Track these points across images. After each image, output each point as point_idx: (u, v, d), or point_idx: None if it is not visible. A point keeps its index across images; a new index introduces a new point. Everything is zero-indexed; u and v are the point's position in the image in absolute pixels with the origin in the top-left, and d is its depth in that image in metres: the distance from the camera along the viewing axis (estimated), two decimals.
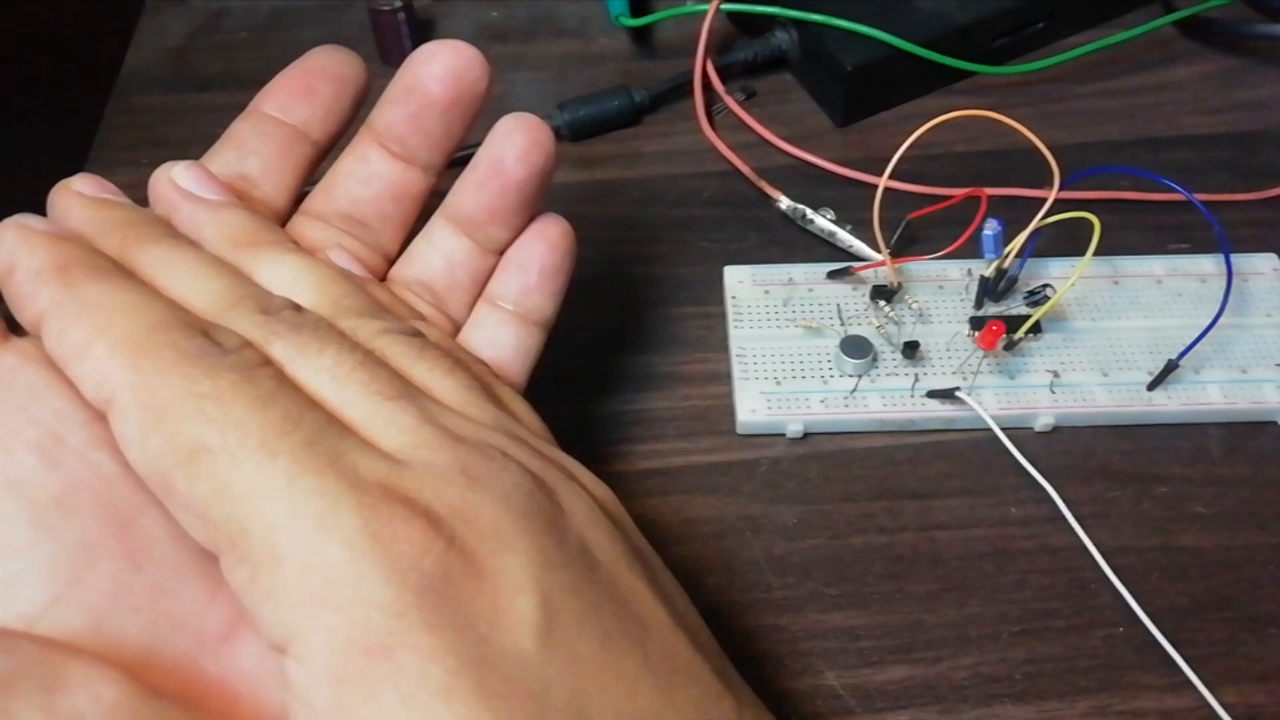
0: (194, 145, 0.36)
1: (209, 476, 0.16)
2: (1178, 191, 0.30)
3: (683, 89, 0.37)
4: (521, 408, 0.21)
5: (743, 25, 0.40)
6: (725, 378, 0.30)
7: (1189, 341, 0.29)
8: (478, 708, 0.15)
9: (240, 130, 0.23)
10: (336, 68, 0.23)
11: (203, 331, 0.17)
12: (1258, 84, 0.38)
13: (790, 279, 0.32)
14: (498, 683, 0.15)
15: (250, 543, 0.15)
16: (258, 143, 0.22)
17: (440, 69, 0.22)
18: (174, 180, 0.21)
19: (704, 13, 0.36)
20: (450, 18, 0.41)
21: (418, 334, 0.20)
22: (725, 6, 0.37)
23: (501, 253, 0.24)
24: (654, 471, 0.29)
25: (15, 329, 0.19)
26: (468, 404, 0.19)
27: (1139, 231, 0.33)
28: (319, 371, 0.18)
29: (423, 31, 0.40)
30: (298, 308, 0.19)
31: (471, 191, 0.23)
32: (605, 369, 0.31)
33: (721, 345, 0.31)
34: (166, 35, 0.41)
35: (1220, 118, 0.37)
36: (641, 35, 0.40)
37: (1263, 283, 0.32)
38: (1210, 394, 0.29)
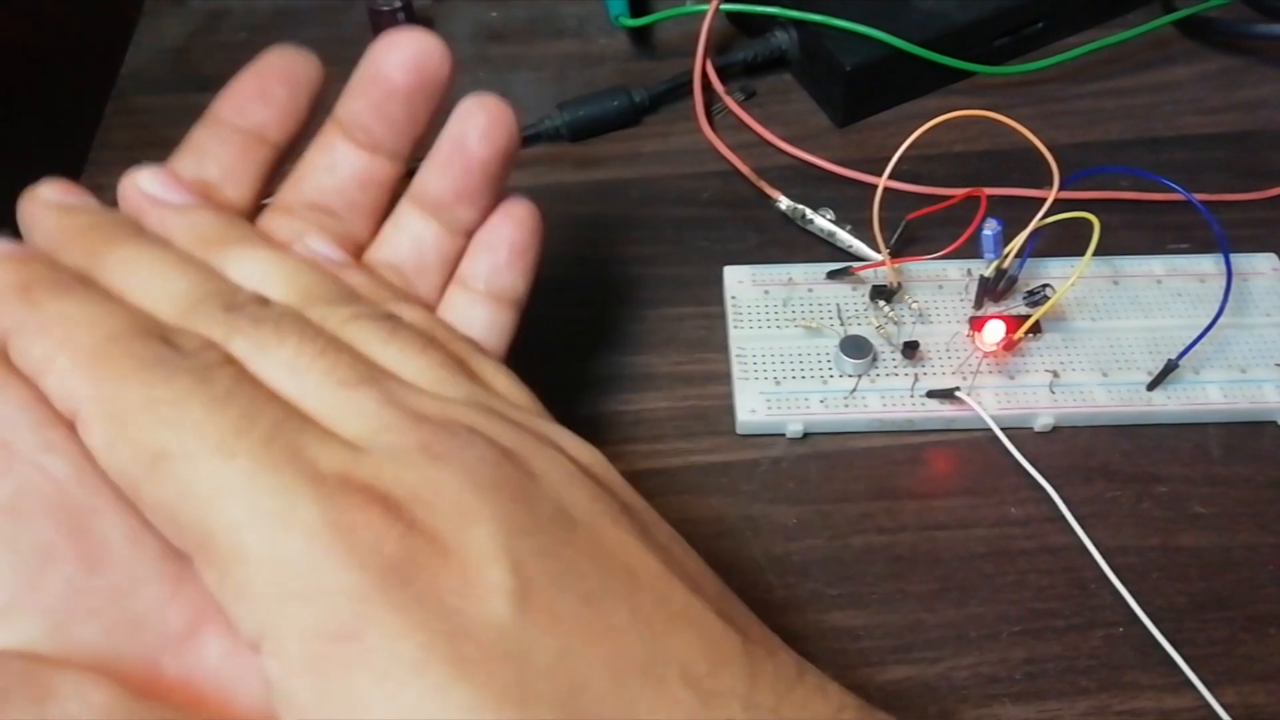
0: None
1: (172, 481, 0.16)
2: (1177, 191, 0.30)
3: (682, 89, 0.37)
4: (505, 382, 0.21)
5: (743, 25, 0.40)
6: (725, 378, 0.30)
7: (1189, 341, 0.29)
8: (452, 676, 0.15)
9: (198, 137, 0.23)
10: (290, 68, 0.23)
11: (161, 337, 0.18)
12: (1258, 84, 0.38)
13: (790, 279, 0.32)
14: (472, 651, 0.15)
15: (216, 543, 0.16)
16: (216, 147, 0.22)
17: (401, 56, 0.22)
18: (139, 186, 0.21)
19: (704, 13, 0.36)
20: (450, 18, 0.41)
21: (390, 317, 0.20)
22: (725, 6, 0.37)
23: (469, 234, 0.24)
24: (654, 471, 0.29)
25: None
26: (439, 382, 0.19)
27: (1139, 231, 0.33)
28: (279, 365, 0.18)
29: None
30: (264, 301, 0.19)
31: (436, 173, 0.23)
32: (605, 369, 0.31)
33: (721, 345, 0.31)
34: (166, 35, 0.41)
35: (1220, 118, 0.37)
36: (641, 35, 0.40)
37: (1262, 283, 0.32)
38: (1210, 394, 0.29)
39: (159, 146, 0.36)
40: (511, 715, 0.15)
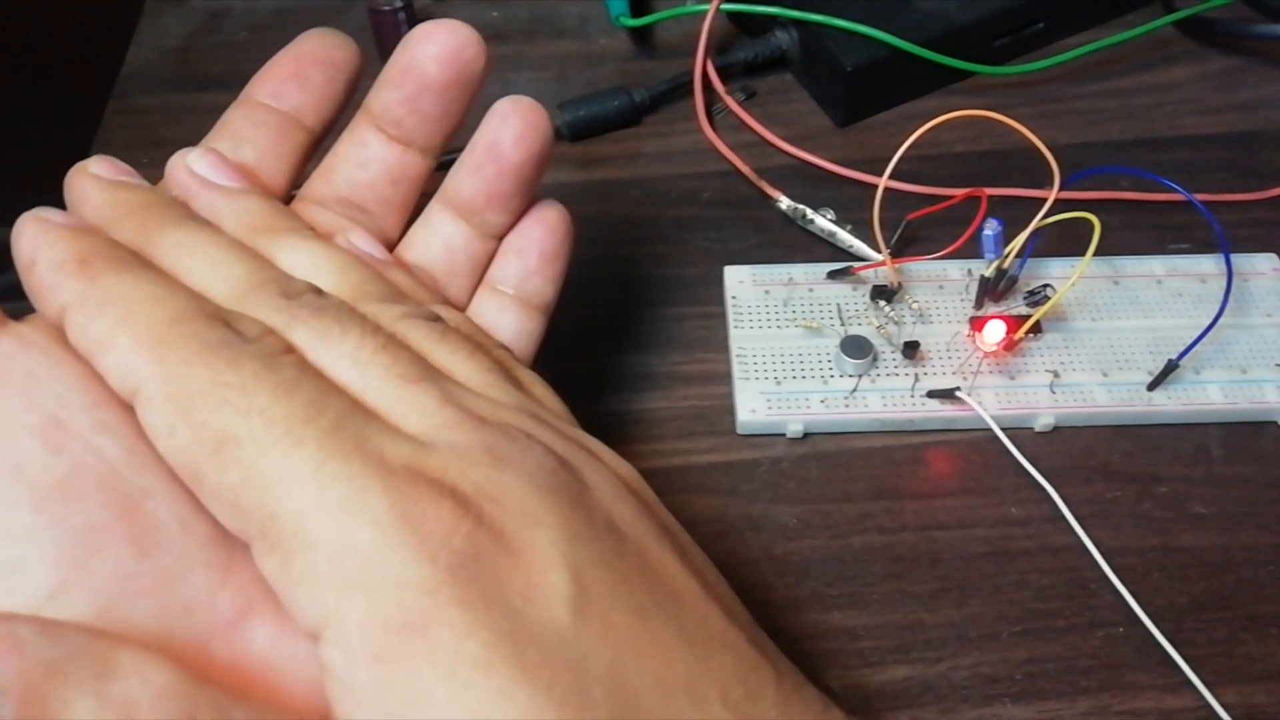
0: (194, 145, 0.36)
1: (237, 465, 0.16)
2: (1178, 191, 0.30)
3: (683, 89, 0.37)
4: (542, 390, 0.21)
5: (743, 25, 0.40)
6: (725, 378, 0.30)
7: (1189, 341, 0.29)
8: (517, 679, 0.15)
9: (234, 119, 0.23)
10: (328, 52, 0.23)
11: (224, 321, 0.17)
12: (1258, 84, 0.38)
13: (790, 279, 0.32)
14: (534, 654, 0.15)
15: (280, 529, 0.16)
16: (252, 131, 0.22)
17: (436, 49, 0.22)
18: (190, 167, 0.21)
19: (704, 13, 0.36)
20: (450, 17, 0.41)
21: (437, 318, 0.20)
22: (725, 6, 0.37)
23: (500, 238, 0.24)
24: (654, 471, 0.28)
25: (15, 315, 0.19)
26: (489, 386, 0.19)
27: (1139, 231, 0.33)
28: (341, 356, 0.18)
29: None
30: (319, 292, 0.19)
31: (469, 176, 0.23)
32: (605, 369, 0.31)
33: (721, 345, 0.31)
34: (166, 35, 0.41)
35: (1220, 118, 0.37)
36: (641, 35, 0.40)
37: (1263, 283, 0.32)
38: (1210, 394, 0.29)
39: (159, 146, 0.37)
40: None
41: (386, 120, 0.23)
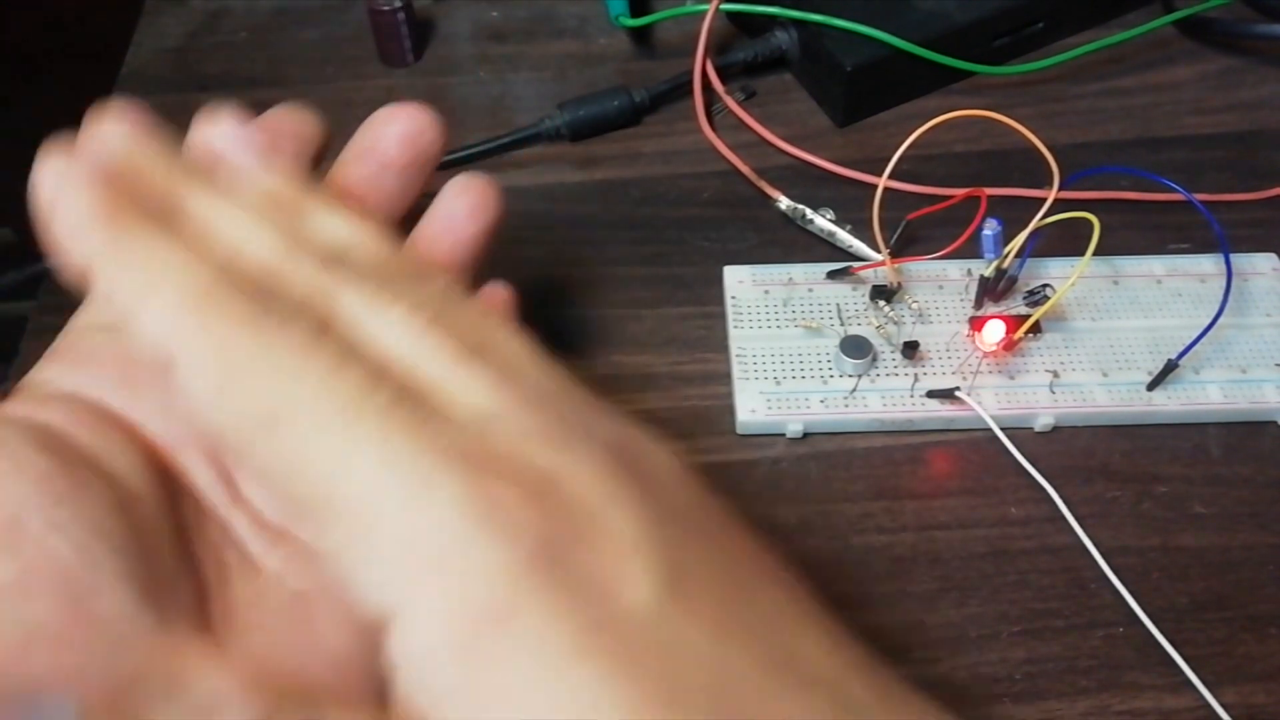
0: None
1: (290, 442, 0.15)
2: (1178, 191, 0.30)
3: (683, 89, 0.37)
4: (578, 376, 0.21)
5: (743, 25, 0.40)
6: (725, 378, 0.30)
7: (1189, 341, 0.29)
8: (612, 667, 0.14)
9: None
10: (297, 127, 0.23)
11: (262, 288, 0.17)
12: (1258, 84, 0.38)
13: (790, 279, 0.32)
14: (625, 641, 0.14)
15: (341, 510, 0.15)
16: None
17: (399, 130, 0.22)
18: (217, 135, 0.21)
19: (704, 13, 0.36)
20: (450, 18, 0.41)
21: (473, 297, 0.20)
22: (725, 6, 0.37)
23: None
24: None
25: None
26: (534, 365, 0.18)
27: (1139, 231, 0.33)
28: (389, 327, 0.17)
29: (422, 31, 0.40)
30: (357, 261, 0.19)
31: (424, 248, 0.23)
32: (605, 369, 0.31)
33: (721, 345, 0.31)
34: (166, 35, 0.41)
35: (1220, 118, 0.37)
36: (641, 35, 0.40)
37: (1263, 283, 0.32)
38: (1210, 394, 0.29)
39: None
40: (665, 714, 0.14)
41: (347, 197, 0.22)
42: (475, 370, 0.17)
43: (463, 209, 0.23)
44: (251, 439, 0.16)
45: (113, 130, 0.19)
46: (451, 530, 0.15)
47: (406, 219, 0.24)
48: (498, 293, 0.24)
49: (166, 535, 0.18)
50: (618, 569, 0.15)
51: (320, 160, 0.24)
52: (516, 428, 0.16)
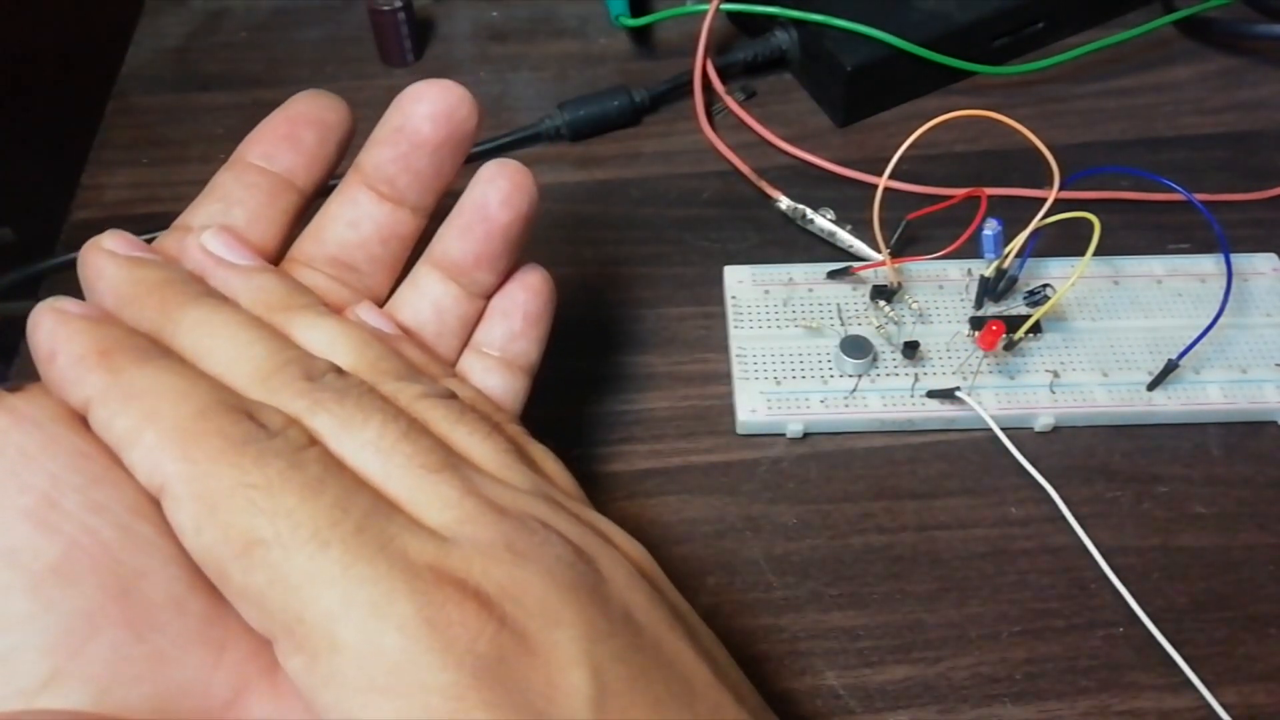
0: (194, 145, 0.36)
1: (263, 568, 0.16)
2: (1178, 191, 0.30)
3: (683, 89, 0.37)
4: (554, 467, 0.21)
5: (743, 25, 0.40)
6: (725, 378, 0.30)
7: (1189, 341, 0.29)
8: None
9: (224, 181, 0.22)
10: (321, 113, 0.23)
11: (248, 413, 0.17)
12: (1258, 84, 0.38)
13: (790, 279, 0.32)
14: None
15: (307, 631, 0.16)
16: (242, 193, 0.22)
17: (429, 108, 0.22)
18: (204, 246, 0.21)
19: (704, 13, 0.36)
20: (450, 18, 0.41)
21: (453, 395, 0.21)
22: (725, 6, 0.37)
23: (487, 298, 0.24)
24: (654, 471, 0.29)
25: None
26: (506, 468, 0.19)
27: (1139, 231, 0.33)
28: (364, 446, 0.18)
29: (422, 31, 0.40)
30: (340, 372, 0.19)
31: (457, 237, 0.23)
32: (605, 369, 0.31)
33: (721, 345, 0.31)
34: (166, 35, 0.41)
35: (1220, 118, 0.37)
36: (641, 35, 0.40)
37: (1263, 283, 0.32)
38: (1210, 394, 0.29)
39: (159, 146, 0.37)
40: None
41: (378, 178, 0.23)
42: (442, 483, 0.18)
43: (495, 197, 0.22)
44: (231, 565, 0.16)
45: (105, 260, 0.20)
46: (403, 650, 0.15)
47: (440, 205, 0.23)
48: (530, 277, 0.24)
49: None
50: (555, 685, 0.16)
51: (346, 145, 0.23)
52: (475, 542, 0.17)
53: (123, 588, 0.17)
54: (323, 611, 0.16)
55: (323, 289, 0.22)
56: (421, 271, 0.23)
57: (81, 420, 0.18)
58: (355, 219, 0.23)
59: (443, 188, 0.23)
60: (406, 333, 0.23)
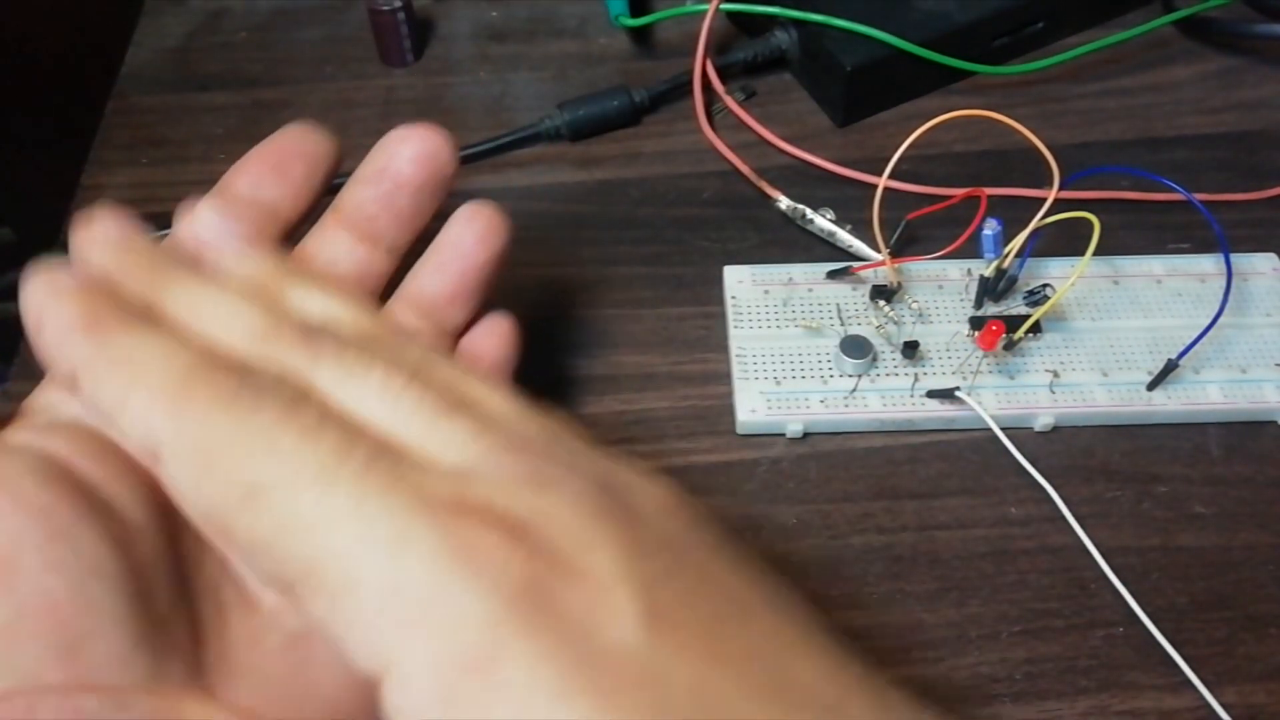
0: (194, 145, 0.36)
1: (269, 513, 0.16)
2: (1177, 191, 0.30)
3: (683, 89, 0.37)
4: (566, 421, 0.21)
5: (743, 25, 0.40)
6: (725, 378, 0.30)
7: (1189, 341, 0.29)
8: (594, 706, 0.14)
9: (207, 208, 0.23)
10: (308, 146, 0.23)
11: (238, 369, 0.17)
12: (1258, 84, 0.38)
13: (790, 279, 0.32)
14: (610, 677, 0.15)
15: (324, 573, 0.15)
16: (224, 222, 0.22)
17: (413, 150, 0.23)
18: (199, 224, 0.21)
19: (704, 13, 0.36)
20: (450, 18, 0.41)
21: (455, 355, 0.21)
22: (725, 6, 0.37)
23: (457, 336, 0.24)
24: (654, 472, 0.29)
25: None
26: (521, 414, 0.19)
27: (1139, 231, 0.33)
28: (369, 394, 0.18)
29: (422, 31, 0.40)
30: (337, 331, 0.19)
31: (432, 274, 0.24)
32: (605, 369, 0.31)
33: (721, 345, 0.31)
34: (166, 35, 0.41)
35: (1220, 118, 0.37)
36: (641, 35, 0.40)
37: (1263, 283, 0.32)
38: (1210, 394, 0.29)
39: (159, 146, 0.37)
40: None
41: (359, 217, 0.23)
42: (454, 423, 0.17)
43: (471, 236, 0.23)
44: (234, 516, 0.16)
45: (97, 237, 0.20)
46: (431, 582, 0.15)
47: (418, 242, 0.24)
48: (499, 323, 0.25)
49: (165, 571, 0.18)
50: (599, 606, 0.15)
51: (332, 177, 0.24)
52: (496, 475, 0.17)
53: (70, 647, 0.16)
54: (339, 551, 0.15)
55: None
56: (396, 310, 0.24)
57: (48, 472, 0.18)
58: (333, 259, 0.23)
59: (419, 228, 0.24)
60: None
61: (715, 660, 0.15)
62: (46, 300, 0.18)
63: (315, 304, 0.20)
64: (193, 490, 0.16)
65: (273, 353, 0.18)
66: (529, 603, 0.15)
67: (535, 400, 0.22)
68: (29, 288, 0.19)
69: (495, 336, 0.24)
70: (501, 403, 0.19)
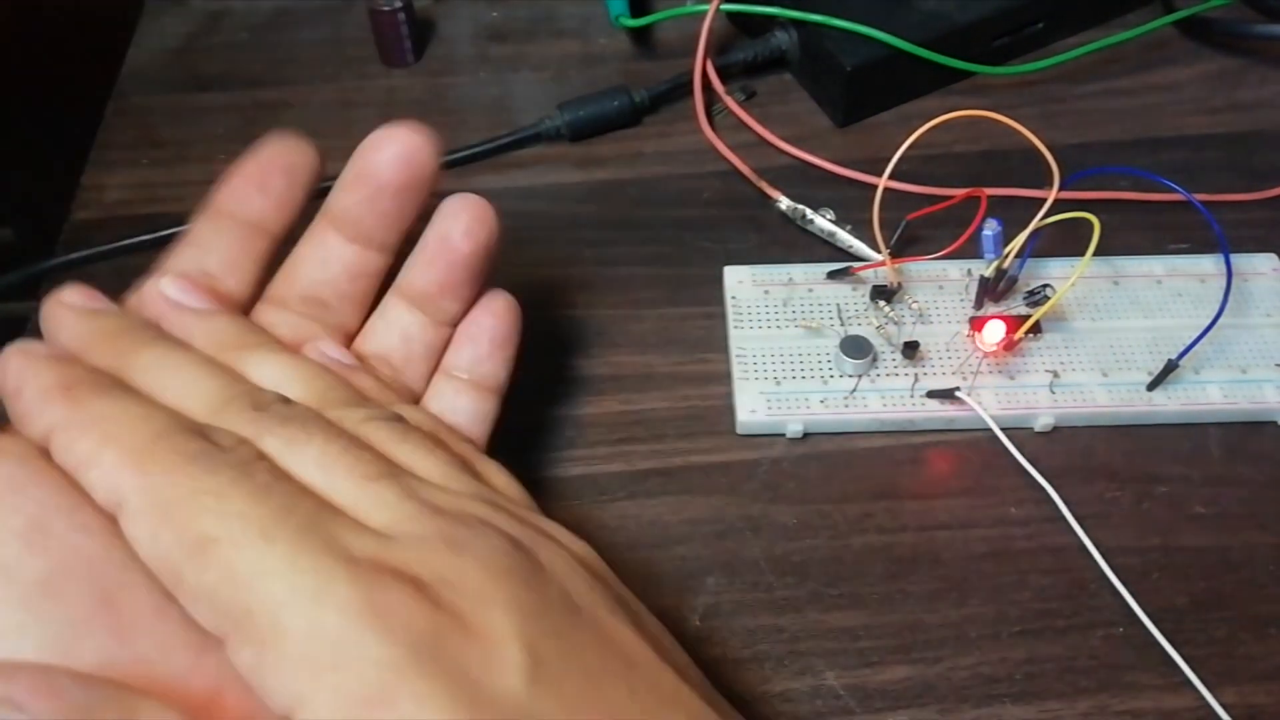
0: (194, 145, 0.37)
1: (215, 565, 0.17)
2: (1178, 191, 0.30)
3: (683, 89, 0.37)
4: (503, 479, 0.22)
5: (743, 25, 0.40)
6: (725, 378, 0.30)
7: (1189, 341, 0.29)
8: None
9: (200, 229, 0.24)
10: (288, 158, 0.24)
11: (201, 434, 0.19)
12: (1258, 84, 0.38)
13: (790, 279, 0.32)
14: (491, 718, 0.16)
15: (255, 622, 0.17)
16: (216, 240, 0.24)
17: (391, 154, 0.23)
18: (163, 291, 0.23)
19: (704, 13, 0.36)
20: (450, 18, 0.41)
21: (399, 418, 0.22)
22: (725, 6, 0.37)
23: (453, 325, 0.25)
24: (654, 471, 0.29)
25: None
26: (448, 478, 0.21)
27: (1139, 231, 0.33)
28: (307, 461, 0.19)
29: (422, 32, 0.40)
30: (287, 401, 0.21)
31: (422, 269, 0.24)
32: (605, 369, 0.31)
33: (721, 345, 0.31)
34: (166, 35, 0.41)
35: (1220, 118, 0.37)
36: (641, 35, 0.40)
37: (1263, 283, 0.32)
38: (1210, 394, 0.29)
39: (159, 146, 0.37)
40: None
41: (345, 221, 0.24)
42: (381, 489, 0.19)
43: (457, 230, 0.24)
44: (184, 566, 0.17)
45: (64, 312, 0.22)
46: (344, 630, 0.16)
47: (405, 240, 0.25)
48: (495, 301, 0.25)
49: None
50: (490, 659, 0.17)
51: (315, 186, 0.25)
52: (415, 536, 0.18)
53: (106, 598, 0.18)
54: (269, 601, 0.17)
55: (295, 325, 0.24)
56: (390, 302, 0.25)
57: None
58: (325, 259, 0.24)
59: (406, 226, 0.24)
60: (368, 363, 0.24)
61: (590, 712, 0.17)
62: (24, 368, 0.20)
63: (270, 370, 0.21)
64: (150, 540, 0.17)
65: (227, 422, 0.19)
66: (428, 652, 0.16)
67: (487, 448, 0.23)
68: (6, 358, 0.20)
69: (492, 316, 0.25)
70: (433, 466, 0.21)
